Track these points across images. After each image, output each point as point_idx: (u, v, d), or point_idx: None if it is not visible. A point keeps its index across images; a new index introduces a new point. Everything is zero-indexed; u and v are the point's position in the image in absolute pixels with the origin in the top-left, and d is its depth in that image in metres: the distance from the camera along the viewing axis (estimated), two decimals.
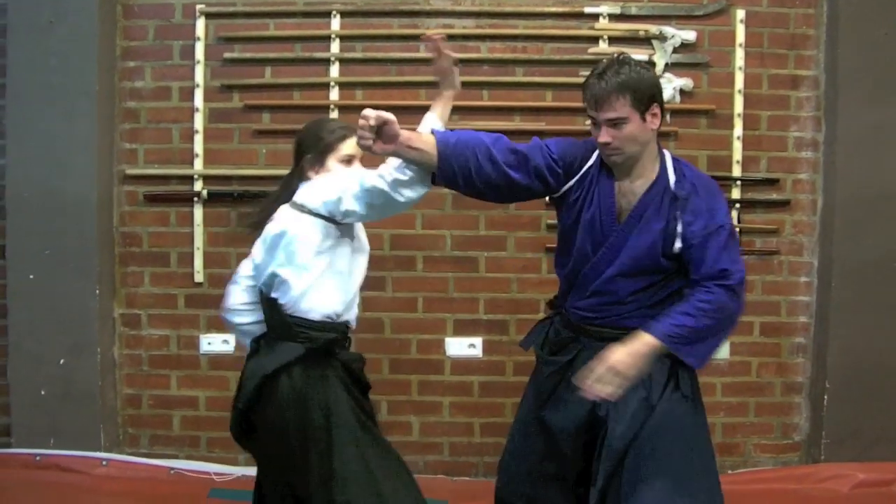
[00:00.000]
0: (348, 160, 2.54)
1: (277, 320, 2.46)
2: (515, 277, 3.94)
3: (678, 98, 3.87)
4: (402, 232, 3.89)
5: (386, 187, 2.36)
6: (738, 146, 3.90)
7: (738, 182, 3.90)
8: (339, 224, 2.46)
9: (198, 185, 3.94)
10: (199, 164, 3.94)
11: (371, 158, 2.51)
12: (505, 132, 3.81)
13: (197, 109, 3.93)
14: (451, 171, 2.38)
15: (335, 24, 3.92)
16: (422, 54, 3.92)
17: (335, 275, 2.47)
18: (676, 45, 3.85)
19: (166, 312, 4.00)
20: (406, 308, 3.92)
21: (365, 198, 2.38)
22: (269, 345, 2.48)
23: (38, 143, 3.81)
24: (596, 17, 3.89)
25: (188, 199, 3.95)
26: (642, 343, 2.32)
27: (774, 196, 3.94)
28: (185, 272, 3.99)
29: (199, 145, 3.94)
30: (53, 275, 3.83)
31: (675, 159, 2.50)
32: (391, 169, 2.37)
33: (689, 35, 3.85)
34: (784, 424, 4.00)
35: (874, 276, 3.80)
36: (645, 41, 3.88)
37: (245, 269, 2.63)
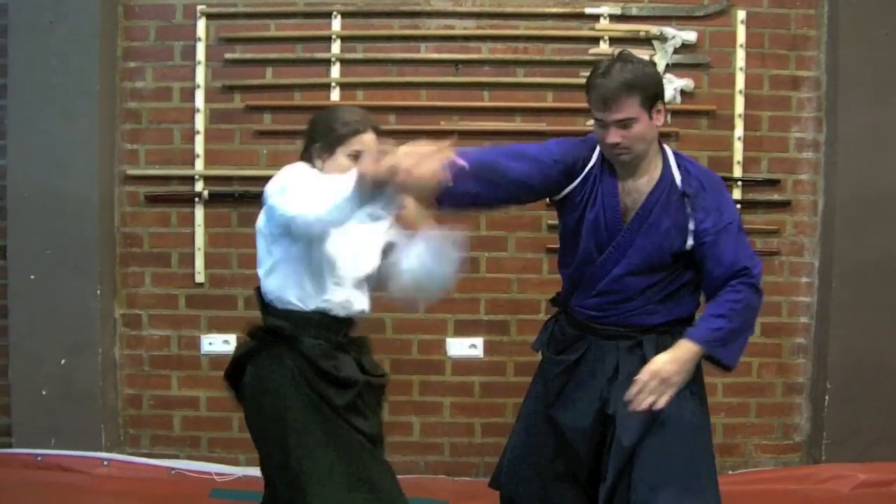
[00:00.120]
0: (357, 156, 2.50)
1: (258, 303, 2.48)
2: (516, 278, 3.94)
3: (679, 99, 3.87)
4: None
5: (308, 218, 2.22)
6: (738, 147, 3.90)
7: (739, 183, 3.90)
8: None
9: (199, 186, 3.95)
10: (200, 165, 3.94)
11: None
12: (506, 133, 3.90)
13: (198, 110, 3.93)
14: (466, 195, 2.34)
15: (336, 24, 3.92)
16: (422, 55, 3.93)
17: (291, 261, 2.40)
18: (677, 46, 3.85)
19: (167, 313, 4.01)
20: (407, 308, 3.91)
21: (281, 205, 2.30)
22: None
23: (39, 144, 3.81)
24: (597, 17, 3.89)
25: (189, 200, 3.96)
26: (685, 350, 2.34)
27: (775, 197, 3.94)
28: (185, 273, 3.99)
29: (200, 146, 3.94)
30: (54, 275, 3.83)
31: (676, 154, 2.49)
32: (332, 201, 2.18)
33: (690, 36, 3.85)
34: (785, 425, 4.00)
35: (875, 277, 3.80)
36: (646, 42, 3.88)
37: None
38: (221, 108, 3.95)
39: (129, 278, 4.01)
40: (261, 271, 2.45)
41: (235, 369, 2.48)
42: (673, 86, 3.85)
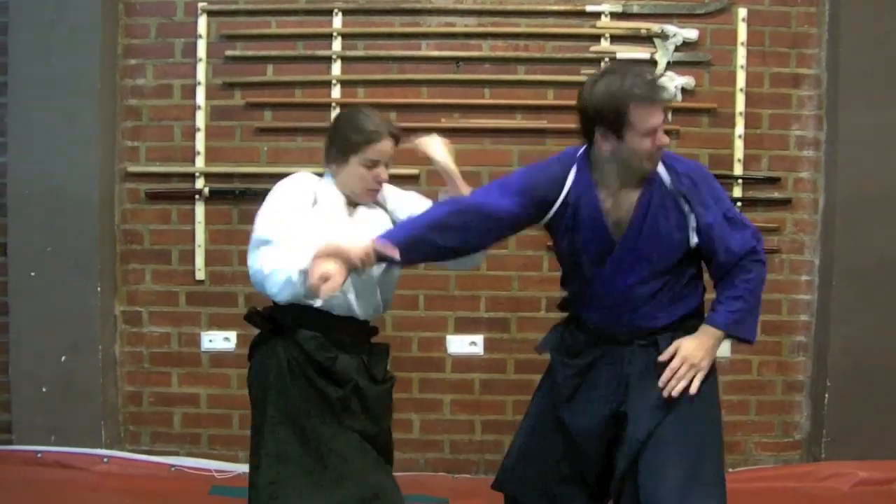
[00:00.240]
0: (371, 165, 2.48)
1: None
2: (516, 275, 3.94)
3: (680, 96, 3.87)
4: None
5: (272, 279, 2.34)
6: (739, 145, 3.90)
7: (740, 180, 3.90)
8: None
9: (199, 183, 3.95)
10: (200, 162, 3.94)
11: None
12: (507, 130, 3.90)
13: (198, 107, 3.93)
14: (416, 258, 2.40)
15: (337, 21, 3.92)
16: (423, 52, 3.93)
17: None
18: (678, 44, 3.85)
19: (167, 310, 4.01)
20: (407, 305, 3.92)
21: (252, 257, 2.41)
22: None
23: (40, 141, 3.81)
24: (598, 15, 3.89)
25: (189, 197, 3.96)
26: (709, 335, 2.41)
27: (776, 194, 3.94)
28: (186, 270, 3.99)
29: (200, 143, 3.94)
30: (55, 272, 3.83)
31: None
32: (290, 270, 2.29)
33: (691, 33, 3.85)
34: (785, 423, 4.00)
35: (875, 275, 3.80)
36: (646, 39, 3.88)
37: None
38: (222, 105, 3.95)
39: (130, 275, 4.01)
40: None
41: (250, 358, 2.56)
42: (674, 83, 3.85)
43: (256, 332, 2.57)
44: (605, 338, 2.49)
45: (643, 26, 3.87)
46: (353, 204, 2.54)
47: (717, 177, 3.79)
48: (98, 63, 3.81)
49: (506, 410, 3.96)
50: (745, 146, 3.90)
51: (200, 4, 3.91)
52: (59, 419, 3.85)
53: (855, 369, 3.81)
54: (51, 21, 3.78)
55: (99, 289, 3.86)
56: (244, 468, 3.72)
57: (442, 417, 4.00)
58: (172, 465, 3.87)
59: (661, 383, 2.37)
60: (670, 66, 3.87)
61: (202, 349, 4.00)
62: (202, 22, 3.92)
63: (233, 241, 3.96)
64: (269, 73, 3.96)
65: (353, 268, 2.23)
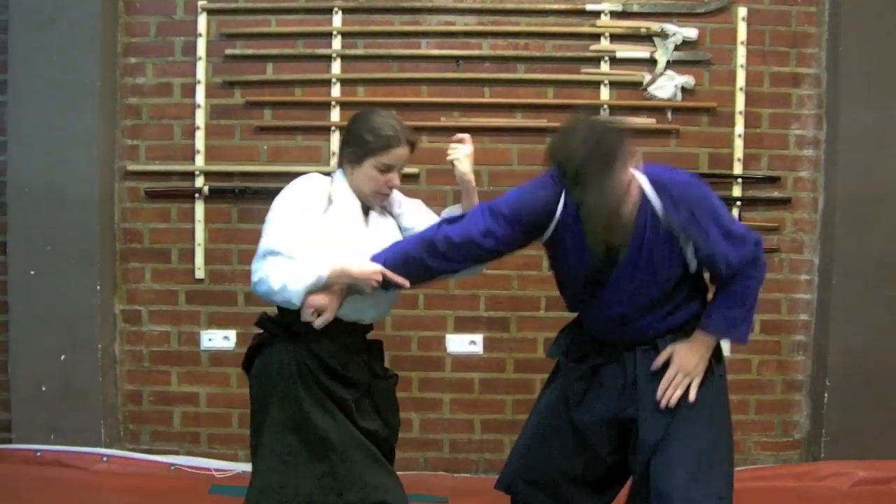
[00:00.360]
0: (385, 169, 2.46)
1: None
2: (516, 274, 3.94)
3: (679, 96, 3.87)
4: None
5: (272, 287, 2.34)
6: (739, 144, 3.90)
7: (739, 180, 3.90)
8: None
9: (199, 182, 3.94)
10: (200, 161, 3.94)
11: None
12: (507, 129, 3.89)
13: (198, 106, 3.93)
14: (414, 283, 2.42)
15: (337, 20, 3.92)
16: (423, 51, 3.93)
17: None
18: (678, 43, 3.85)
19: (167, 309, 4.01)
20: (407, 305, 3.91)
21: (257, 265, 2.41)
22: None
23: (40, 140, 3.81)
24: (597, 14, 3.89)
25: (189, 196, 3.96)
26: (702, 341, 2.40)
27: (775, 194, 3.94)
28: (185, 268, 3.99)
29: (200, 142, 3.94)
30: (54, 271, 3.83)
31: (650, 173, 2.32)
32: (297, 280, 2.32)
33: (691, 32, 3.85)
34: (784, 422, 4.00)
35: (875, 275, 3.80)
36: (646, 38, 3.88)
37: None
38: (222, 103, 3.95)
39: (129, 274, 4.01)
40: None
41: (248, 360, 2.53)
42: (674, 83, 3.86)
43: (256, 331, 2.57)
44: (607, 344, 2.49)
45: (643, 25, 3.87)
46: (366, 208, 2.53)
47: (717, 176, 3.88)
48: (98, 61, 3.81)
49: (505, 410, 3.96)
50: (745, 145, 3.90)
51: (200, 3, 3.91)
52: (59, 418, 3.85)
53: (854, 369, 3.81)
54: (51, 19, 3.78)
55: (98, 287, 3.85)
56: (244, 467, 3.75)
57: (441, 417, 4.00)
58: (172, 464, 3.87)
59: (657, 395, 2.37)
60: (670, 64, 3.87)
61: (202, 348, 4.00)
62: (202, 20, 3.92)
63: (232, 239, 3.96)
64: (269, 71, 3.95)
65: (360, 292, 2.36)
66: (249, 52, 3.94)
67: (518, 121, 3.92)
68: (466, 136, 2.64)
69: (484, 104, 3.92)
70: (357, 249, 2.42)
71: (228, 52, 3.93)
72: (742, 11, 3.87)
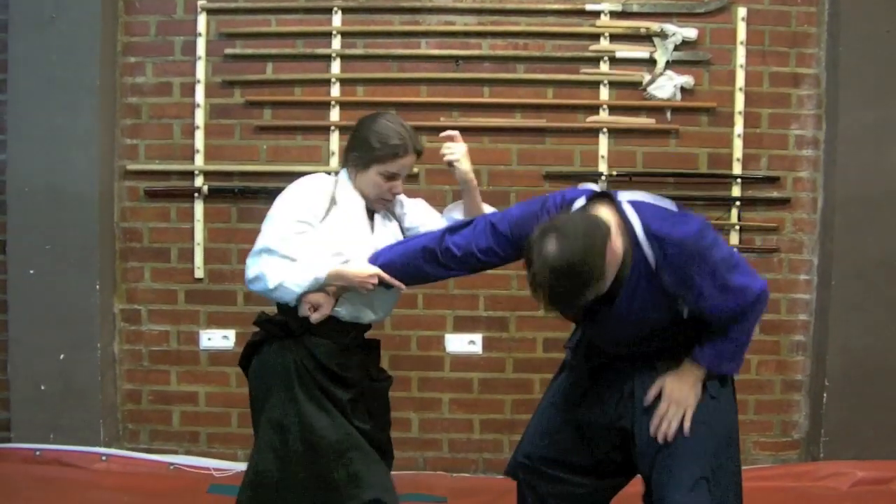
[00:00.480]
0: (391, 177, 2.47)
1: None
2: (516, 274, 3.93)
3: (679, 96, 3.87)
4: None
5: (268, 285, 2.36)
6: (738, 144, 3.90)
7: (739, 180, 3.90)
8: None
9: (198, 181, 3.94)
10: (199, 160, 3.94)
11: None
12: (506, 129, 3.89)
13: (198, 105, 3.93)
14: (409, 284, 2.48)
15: (336, 20, 3.92)
16: (423, 51, 3.93)
17: None
18: (678, 43, 3.85)
19: (166, 308, 4.01)
20: (406, 304, 3.90)
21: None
22: None
23: (40, 139, 3.81)
24: (597, 14, 3.89)
25: (189, 195, 3.96)
26: (692, 372, 2.36)
27: (775, 194, 3.94)
28: (185, 268, 3.99)
29: (199, 141, 3.94)
30: (54, 270, 3.83)
31: (641, 214, 2.22)
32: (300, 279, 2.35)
33: (691, 32, 3.85)
34: (783, 422, 4.00)
35: (874, 275, 3.80)
36: (646, 38, 3.88)
37: None
38: (221, 103, 3.95)
39: (129, 273, 4.01)
40: None
41: (245, 358, 2.54)
42: (673, 83, 3.85)
43: (255, 330, 2.57)
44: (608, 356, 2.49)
45: (643, 25, 3.87)
46: (370, 209, 2.53)
47: (716, 176, 3.88)
48: (98, 61, 3.81)
49: (504, 409, 3.96)
50: (745, 145, 3.90)
51: (200, 2, 3.91)
52: (58, 417, 3.85)
53: (854, 369, 3.81)
54: (51, 19, 3.78)
55: (98, 287, 3.85)
56: (243, 466, 3.70)
57: (441, 416, 4.00)
58: (171, 464, 3.87)
59: (651, 431, 2.35)
60: (670, 65, 3.87)
61: (201, 347, 4.00)
62: (202, 20, 3.92)
63: (232, 239, 3.96)
64: (269, 71, 3.96)
65: (356, 293, 2.40)
66: (249, 51, 3.94)
67: (517, 121, 3.92)
68: (456, 132, 2.64)
69: (483, 104, 3.92)
70: (360, 251, 2.43)
71: (228, 51, 3.93)
72: (742, 11, 3.87)
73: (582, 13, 3.91)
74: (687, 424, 2.34)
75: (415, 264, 2.43)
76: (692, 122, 3.91)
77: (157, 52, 3.96)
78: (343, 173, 2.54)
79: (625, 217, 2.20)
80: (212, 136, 3.95)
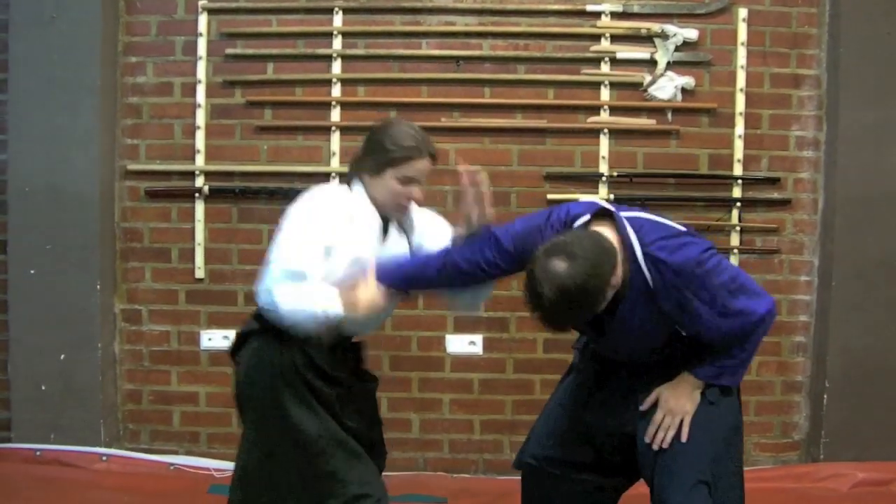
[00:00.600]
0: (407, 181, 2.43)
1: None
2: (516, 274, 3.93)
3: (680, 96, 3.87)
4: None
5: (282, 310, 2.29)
6: (739, 145, 3.90)
7: (739, 181, 3.90)
8: None
9: (199, 181, 3.94)
10: (200, 160, 3.94)
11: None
12: (507, 129, 3.89)
13: (199, 105, 3.93)
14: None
15: (337, 20, 3.92)
16: (424, 51, 3.93)
17: None
18: (678, 44, 3.85)
19: (167, 308, 4.01)
20: (406, 305, 3.89)
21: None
22: None
23: (40, 139, 3.81)
24: (598, 14, 3.89)
25: (189, 195, 3.96)
26: (689, 382, 2.35)
27: (775, 195, 3.94)
28: (185, 268, 3.99)
29: (200, 141, 3.94)
30: (54, 270, 3.83)
31: (639, 234, 2.21)
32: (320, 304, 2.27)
33: (691, 33, 3.85)
34: (784, 423, 4.00)
35: (875, 276, 3.80)
36: (647, 39, 3.88)
37: None
38: (222, 103, 3.95)
39: (130, 273, 4.01)
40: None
41: (237, 346, 2.52)
42: (674, 84, 3.86)
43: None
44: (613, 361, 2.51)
45: (643, 26, 3.87)
46: (384, 223, 2.49)
47: (717, 177, 3.88)
48: (98, 61, 3.81)
49: (505, 410, 3.96)
50: (745, 146, 3.90)
51: (201, 2, 3.91)
52: (59, 417, 3.85)
53: (854, 370, 3.81)
54: (51, 18, 3.78)
55: (98, 287, 3.85)
56: None
57: (441, 417, 4.00)
58: (171, 464, 3.87)
59: (647, 438, 2.35)
60: (670, 65, 3.87)
61: (201, 347, 4.00)
62: (203, 20, 3.92)
63: (232, 239, 3.96)
64: (270, 71, 3.95)
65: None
66: (250, 51, 3.94)
67: (518, 121, 3.92)
68: (477, 171, 2.46)
69: (484, 104, 3.92)
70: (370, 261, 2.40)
71: (229, 51, 3.93)
72: (742, 12, 3.87)
73: (583, 14, 3.90)
74: (685, 433, 2.34)
75: (421, 280, 2.46)
76: (693, 122, 3.91)
77: (157, 52, 3.96)
78: (357, 186, 2.46)
79: (625, 236, 2.21)
80: (212, 137, 3.95)
